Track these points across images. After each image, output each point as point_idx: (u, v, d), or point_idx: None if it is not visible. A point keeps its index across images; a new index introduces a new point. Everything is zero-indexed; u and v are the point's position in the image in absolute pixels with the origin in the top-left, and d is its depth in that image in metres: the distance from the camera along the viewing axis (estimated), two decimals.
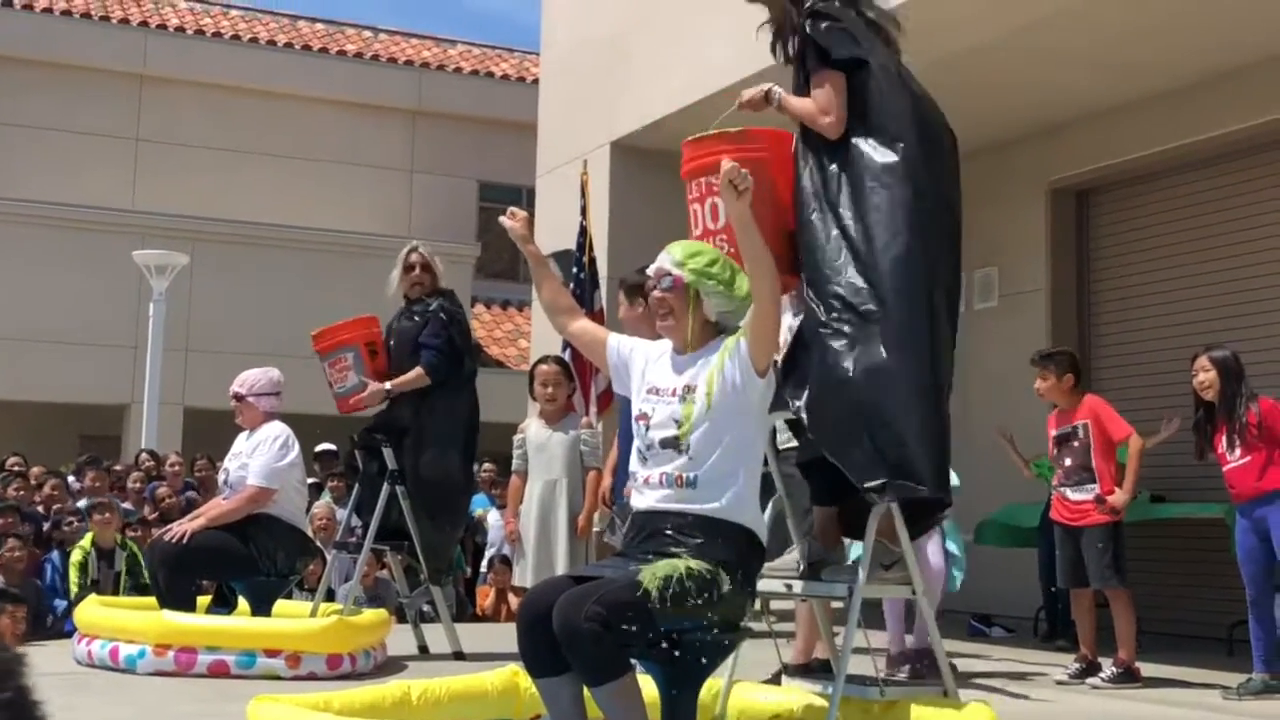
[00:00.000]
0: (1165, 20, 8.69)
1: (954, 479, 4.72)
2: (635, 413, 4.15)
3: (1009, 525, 10.20)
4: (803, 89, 4.66)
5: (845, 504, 4.57)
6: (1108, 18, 8.67)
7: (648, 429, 4.06)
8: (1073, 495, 7.66)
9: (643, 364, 4.21)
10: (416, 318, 7.85)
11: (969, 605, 9.84)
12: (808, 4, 4.60)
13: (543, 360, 8.15)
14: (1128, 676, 7.39)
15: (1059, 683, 7.47)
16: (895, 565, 4.48)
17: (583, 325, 4.50)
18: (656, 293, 4.11)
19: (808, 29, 4.54)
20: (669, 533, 3.94)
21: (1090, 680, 7.37)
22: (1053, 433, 7.79)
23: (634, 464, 4.13)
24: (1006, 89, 9.97)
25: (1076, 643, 7.84)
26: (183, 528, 7.46)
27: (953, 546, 7.41)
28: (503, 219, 4.51)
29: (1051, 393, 7.74)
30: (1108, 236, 11.10)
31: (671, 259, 4.11)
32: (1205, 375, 7.21)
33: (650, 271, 4.17)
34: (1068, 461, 7.68)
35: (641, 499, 4.07)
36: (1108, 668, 7.46)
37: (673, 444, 3.99)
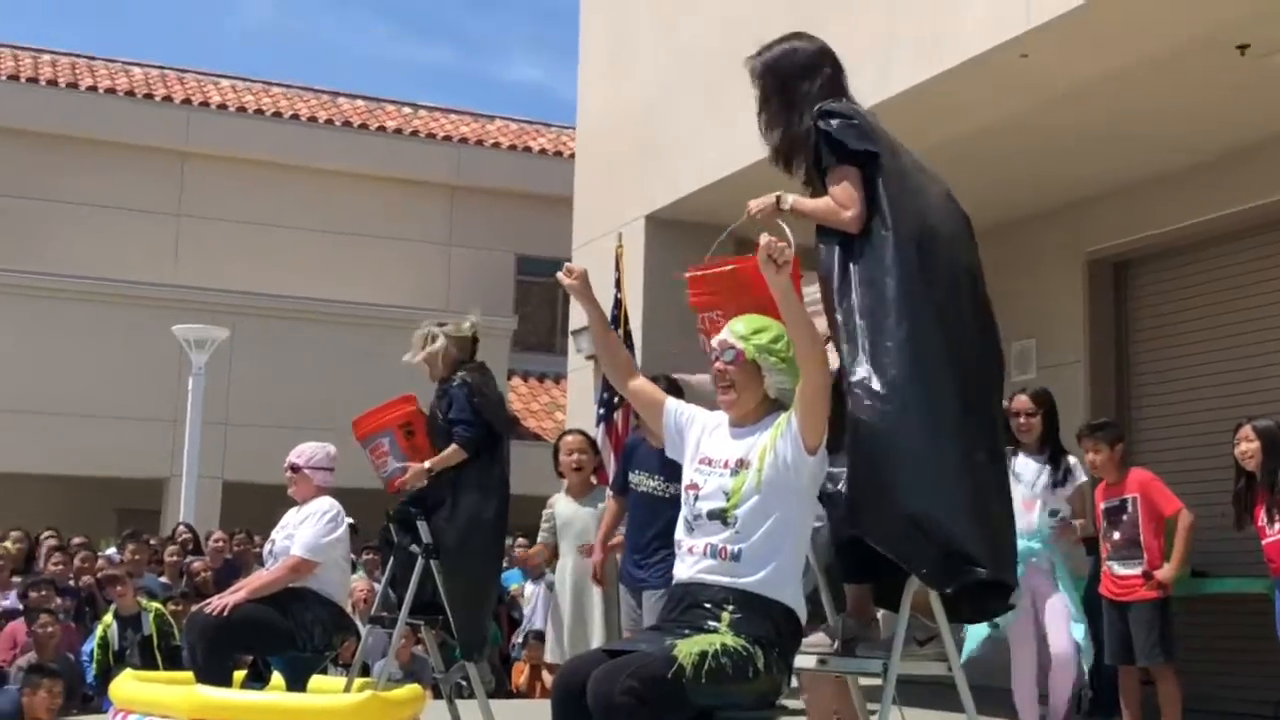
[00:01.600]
0: (1185, 101, 8.74)
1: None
2: (686, 481, 4.15)
3: None
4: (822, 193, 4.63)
5: (880, 579, 4.53)
6: (1133, 93, 8.71)
7: (696, 499, 4.07)
8: (1121, 570, 7.58)
9: (699, 433, 4.22)
10: (443, 397, 7.83)
11: (1004, 680, 9.72)
12: (816, 106, 4.58)
13: (568, 432, 8.19)
14: None
15: None
16: (931, 641, 4.44)
17: (642, 384, 4.46)
18: (719, 364, 4.12)
19: (821, 126, 4.51)
20: (707, 605, 3.92)
21: None
22: (1101, 506, 7.73)
23: (679, 533, 4.12)
24: (1037, 162, 10.01)
25: None
26: (224, 601, 7.47)
27: (1078, 634, 7.09)
28: (560, 276, 4.48)
29: (1105, 465, 7.69)
30: (1146, 308, 11.06)
31: (735, 333, 4.13)
32: (1248, 445, 7.13)
33: (714, 343, 4.17)
34: (1116, 536, 7.61)
35: (683, 568, 4.05)
36: None
37: (719, 516, 3.99)
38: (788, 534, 3.99)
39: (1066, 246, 11.09)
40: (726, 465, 4.06)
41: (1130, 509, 7.56)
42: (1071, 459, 7.28)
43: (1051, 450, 7.22)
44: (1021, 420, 7.24)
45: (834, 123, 4.50)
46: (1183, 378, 10.57)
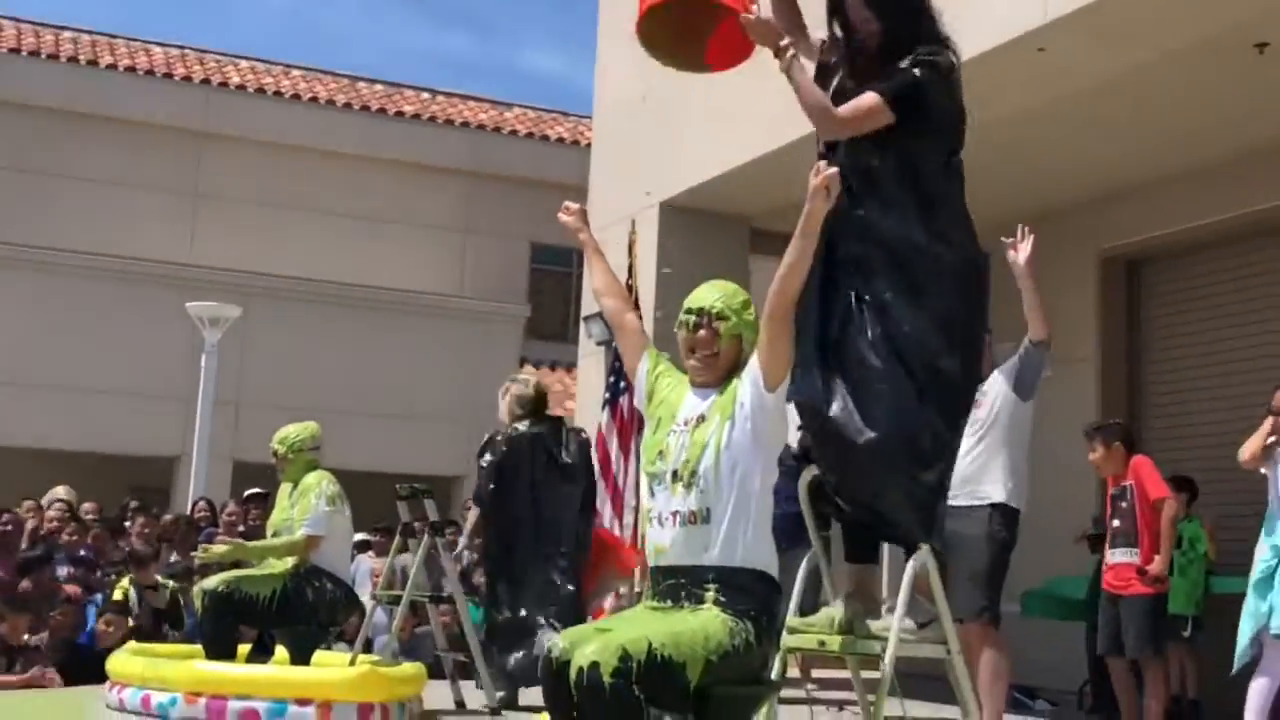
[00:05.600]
0: (1202, 99, 8.72)
1: None
2: (646, 442, 4.15)
3: (1055, 597, 10.10)
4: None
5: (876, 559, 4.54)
6: (1150, 89, 8.70)
7: (659, 457, 4.05)
8: (1120, 558, 7.60)
9: (665, 391, 4.19)
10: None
11: (1014, 676, 9.73)
12: (920, 49, 4.53)
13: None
14: None
15: None
16: (931, 624, 4.44)
17: (632, 320, 4.45)
18: (702, 332, 4.09)
19: (914, 69, 4.47)
20: (691, 586, 3.91)
21: None
22: (1110, 493, 7.79)
23: (645, 497, 4.11)
24: (1054, 157, 10.01)
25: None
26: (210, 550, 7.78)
27: None
28: (560, 215, 4.69)
29: (1103, 463, 7.76)
30: (1158, 306, 11.05)
31: (724, 303, 4.09)
32: None
33: (695, 306, 4.14)
34: (1116, 523, 7.67)
35: (657, 536, 4.04)
36: None
37: (683, 476, 3.97)
38: (754, 488, 3.93)
39: (1081, 244, 11.07)
40: (685, 424, 4.03)
41: (1129, 496, 7.60)
42: None
43: None
44: None
45: (920, 73, 4.49)
46: (1195, 376, 10.56)
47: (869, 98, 4.44)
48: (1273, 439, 6.78)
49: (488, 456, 8.04)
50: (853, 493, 4.43)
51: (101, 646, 9.03)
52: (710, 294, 4.12)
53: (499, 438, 8.09)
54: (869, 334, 4.42)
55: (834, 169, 3.94)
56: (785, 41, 4.51)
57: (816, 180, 3.91)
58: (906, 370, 4.38)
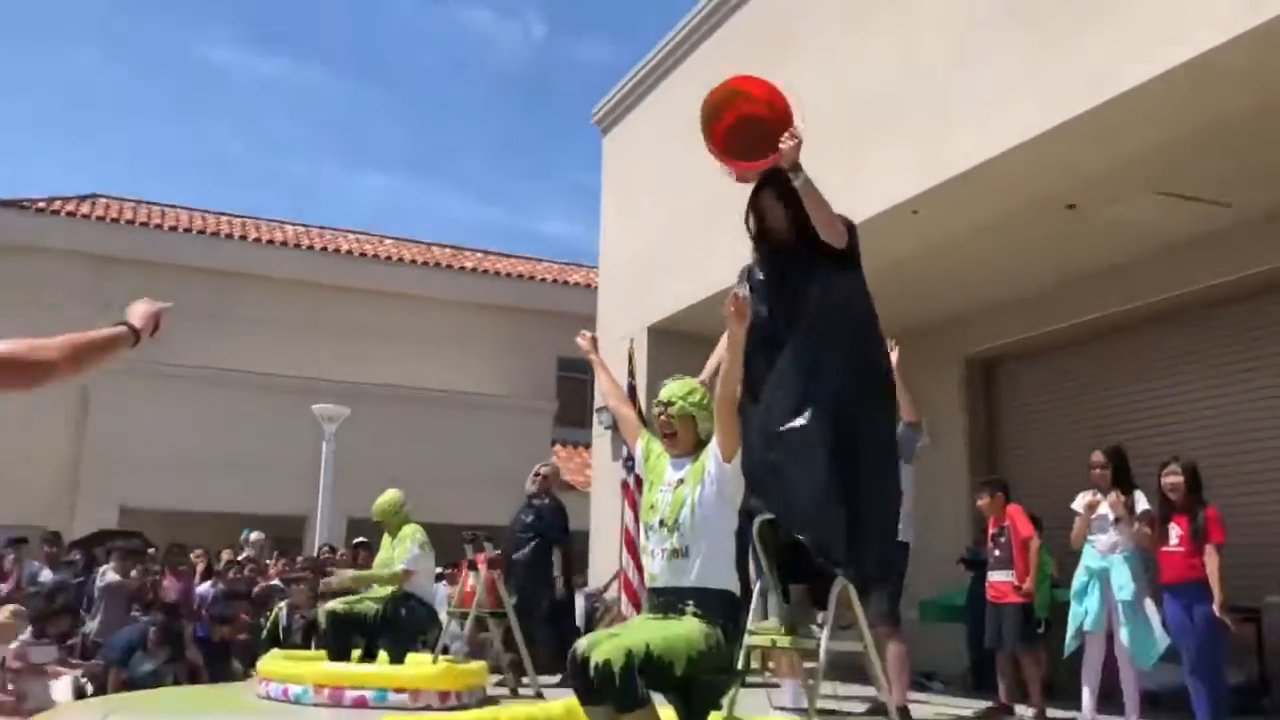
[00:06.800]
0: (1035, 237, 8.77)
1: None
2: (644, 500, 4.10)
3: (945, 605, 9.99)
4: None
5: (813, 582, 4.46)
6: (997, 238, 8.74)
7: (650, 510, 4.02)
8: (998, 577, 7.58)
9: (654, 460, 4.17)
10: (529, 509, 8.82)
11: (915, 665, 9.59)
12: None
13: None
14: (1040, 717, 7.16)
15: (984, 715, 7.25)
16: (850, 627, 4.37)
17: (628, 413, 4.47)
18: (663, 417, 4.09)
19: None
20: (674, 602, 3.86)
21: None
22: (991, 531, 7.75)
23: (642, 539, 4.08)
24: (927, 286, 10.04)
25: (997, 692, 7.62)
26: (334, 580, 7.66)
27: (1124, 636, 6.55)
28: (578, 339, 4.75)
29: (989, 507, 7.78)
30: (1009, 393, 11.06)
31: (674, 395, 4.07)
32: (1174, 479, 6.55)
33: (656, 405, 4.11)
34: (996, 553, 7.63)
35: (650, 566, 3.99)
36: (1025, 711, 7.22)
37: (668, 524, 3.93)
38: (719, 531, 3.89)
39: (950, 349, 11.10)
40: (669, 485, 4.01)
41: (1005, 534, 7.55)
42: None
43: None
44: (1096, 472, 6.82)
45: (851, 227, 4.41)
46: (1036, 443, 10.54)
47: (840, 223, 4.32)
48: (1085, 514, 6.81)
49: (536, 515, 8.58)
50: (792, 529, 4.31)
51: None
52: (667, 389, 4.13)
53: (548, 502, 8.63)
54: (802, 394, 4.26)
55: (743, 292, 3.91)
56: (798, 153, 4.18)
57: (731, 309, 3.89)
58: (833, 424, 4.22)
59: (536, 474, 8.87)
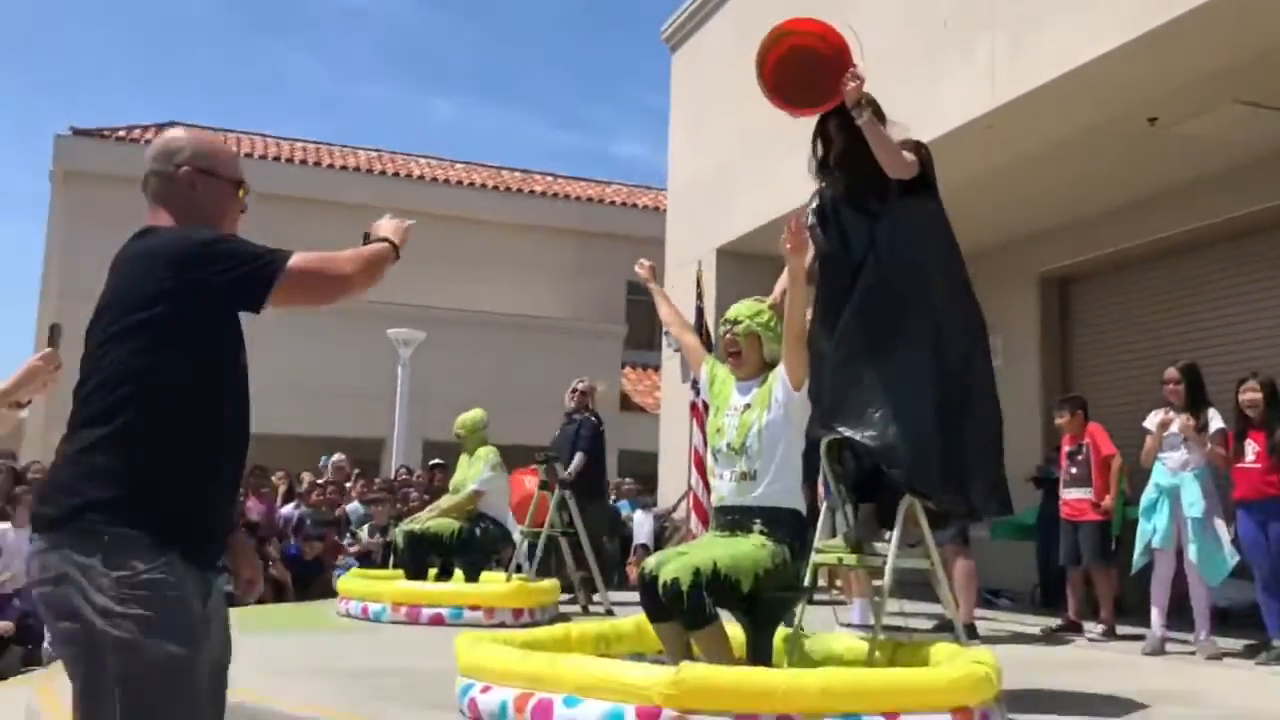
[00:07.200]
0: (1119, 151, 8.52)
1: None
2: (710, 424, 4.12)
3: (1015, 524, 9.90)
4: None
5: (880, 500, 4.47)
6: (1073, 152, 8.53)
7: (718, 434, 4.03)
8: (1074, 495, 7.50)
9: (719, 385, 4.18)
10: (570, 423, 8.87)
11: (983, 583, 9.59)
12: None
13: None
14: (1110, 634, 7.15)
15: (1052, 632, 7.25)
16: (918, 544, 4.39)
17: (690, 339, 4.50)
18: (729, 335, 4.08)
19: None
20: (743, 521, 3.90)
21: (1080, 638, 7.13)
22: (1066, 449, 7.65)
23: (710, 462, 4.11)
24: (1003, 204, 9.83)
25: (1064, 610, 7.61)
26: (422, 518, 7.72)
27: (1192, 553, 6.47)
28: (636, 268, 4.75)
29: (1068, 425, 7.66)
30: (1083, 313, 10.84)
31: (741, 314, 4.09)
32: (1253, 395, 6.43)
33: (723, 324, 4.13)
34: (1073, 471, 7.54)
35: (720, 487, 4.02)
36: (1094, 627, 7.21)
37: (735, 447, 3.95)
38: (787, 454, 3.91)
39: (1024, 267, 10.89)
40: (736, 409, 4.01)
41: (1085, 452, 7.47)
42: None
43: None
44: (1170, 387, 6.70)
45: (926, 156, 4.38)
46: (1110, 364, 10.35)
47: (910, 155, 4.28)
48: (1157, 431, 6.68)
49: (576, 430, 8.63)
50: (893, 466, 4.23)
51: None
52: (734, 309, 4.15)
53: (589, 416, 8.70)
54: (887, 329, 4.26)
55: (807, 222, 3.88)
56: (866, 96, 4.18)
57: (787, 245, 3.85)
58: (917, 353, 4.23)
59: (574, 390, 8.85)
